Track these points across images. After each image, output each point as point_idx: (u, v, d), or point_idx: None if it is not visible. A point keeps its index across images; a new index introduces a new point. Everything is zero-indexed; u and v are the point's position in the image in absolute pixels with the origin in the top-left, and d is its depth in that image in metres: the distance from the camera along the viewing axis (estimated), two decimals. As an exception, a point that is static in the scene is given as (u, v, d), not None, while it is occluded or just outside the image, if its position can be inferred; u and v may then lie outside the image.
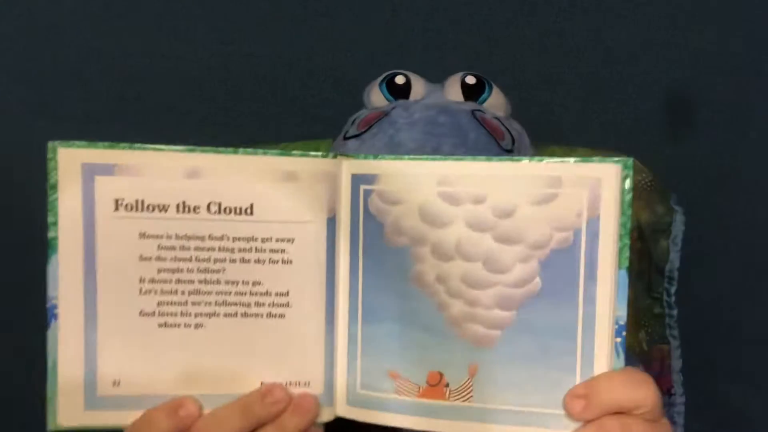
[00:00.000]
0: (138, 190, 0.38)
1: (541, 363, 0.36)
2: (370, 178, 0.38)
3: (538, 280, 0.36)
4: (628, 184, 0.33)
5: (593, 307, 0.34)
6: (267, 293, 0.39)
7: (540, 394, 0.36)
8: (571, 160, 0.35)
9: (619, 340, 0.34)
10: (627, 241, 0.34)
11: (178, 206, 0.38)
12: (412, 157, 0.38)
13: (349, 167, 0.39)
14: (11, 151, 0.95)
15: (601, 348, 0.34)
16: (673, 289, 0.77)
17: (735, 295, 0.96)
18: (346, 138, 0.58)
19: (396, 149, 0.53)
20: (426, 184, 0.37)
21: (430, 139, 0.53)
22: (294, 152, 0.39)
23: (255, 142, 0.93)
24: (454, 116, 0.55)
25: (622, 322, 0.34)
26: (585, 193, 0.34)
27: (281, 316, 0.39)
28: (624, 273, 0.34)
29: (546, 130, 0.99)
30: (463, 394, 0.37)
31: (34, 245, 0.98)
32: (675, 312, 0.77)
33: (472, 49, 0.95)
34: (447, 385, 0.38)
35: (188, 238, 0.38)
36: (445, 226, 0.37)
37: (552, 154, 0.81)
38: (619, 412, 0.33)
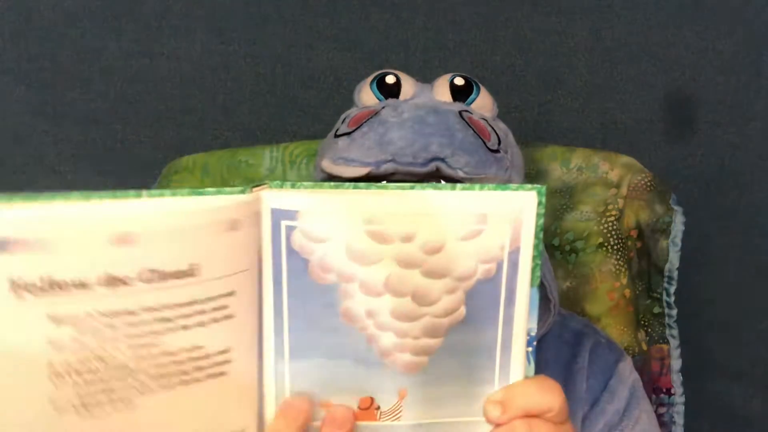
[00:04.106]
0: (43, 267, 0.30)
1: (464, 380, 0.38)
2: (291, 214, 0.36)
3: (463, 308, 0.37)
4: (541, 209, 0.36)
5: (511, 328, 0.37)
6: (206, 356, 0.35)
7: (463, 406, 0.39)
8: (492, 188, 0.36)
9: (530, 349, 0.37)
10: (539, 261, 0.36)
11: (101, 279, 0.31)
12: (333, 184, 0.36)
13: (268, 201, 0.36)
14: (11, 151, 0.95)
15: (516, 359, 0.38)
16: (672, 289, 0.77)
17: (735, 295, 0.96)
18: (337, 136, 0.59)
19: (386, 147, 0.54)
20: (352, 222, 0.36)
21: (418, 138, 0.54)
22: (208, 189, 0.34)
23: (255, 142, 0.93)
24: (442, 116, 0.56)
25: (533, 333, 0.37)
26: (508, 228, 0.36)
27: (222, 374, 0.35)
28: (535, 290, 0.36)
29: (546, 130, 1.00)
30: (394, 414, 0.39)
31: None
32: (675, 312, 0.77)
33: (472, 49, 0.95)
34: (378, 408, 0.39)
35: (116, 314, 0.32)
36: (373, 264, 0.36)
37: (552, 154, 0.81)
38: (530, 415, 0.36)
